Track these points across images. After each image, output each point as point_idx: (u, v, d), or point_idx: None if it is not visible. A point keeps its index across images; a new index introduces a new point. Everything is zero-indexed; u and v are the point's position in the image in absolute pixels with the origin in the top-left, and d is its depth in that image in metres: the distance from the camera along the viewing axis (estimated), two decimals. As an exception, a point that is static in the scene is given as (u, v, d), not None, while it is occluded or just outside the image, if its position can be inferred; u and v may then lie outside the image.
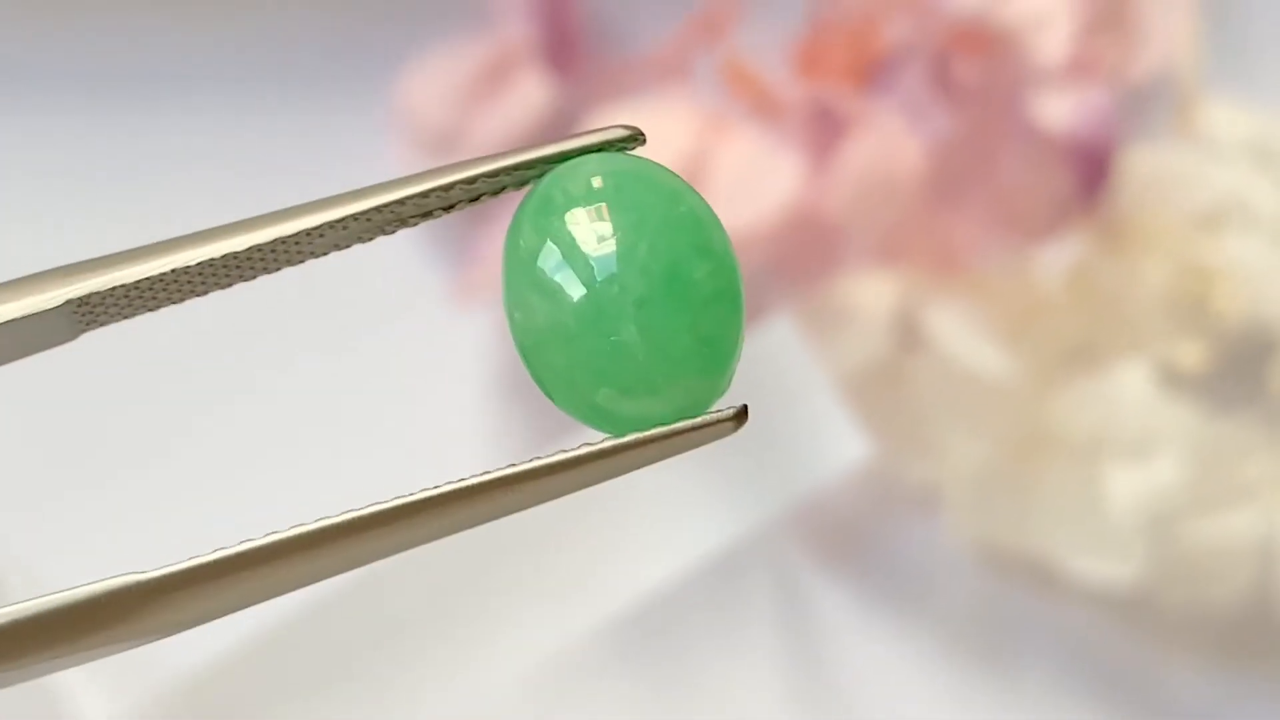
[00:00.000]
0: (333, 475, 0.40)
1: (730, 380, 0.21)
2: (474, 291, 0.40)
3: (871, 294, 0.38)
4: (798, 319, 0.38)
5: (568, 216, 0.21)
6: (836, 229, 0.38)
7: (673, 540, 0.37)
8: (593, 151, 0.21)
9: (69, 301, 0.21)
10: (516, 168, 0.21)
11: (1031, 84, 0.38)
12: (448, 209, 0.22)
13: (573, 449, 0.21)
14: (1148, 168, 0.40)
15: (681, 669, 0.39)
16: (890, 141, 0.37)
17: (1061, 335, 0.39)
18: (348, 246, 0.22)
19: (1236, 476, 0.38)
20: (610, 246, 0.20)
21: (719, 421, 0.21)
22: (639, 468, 0.21)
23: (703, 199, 0.21)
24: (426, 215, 0.22)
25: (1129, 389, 0.38)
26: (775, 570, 0.40)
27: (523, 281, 0.21)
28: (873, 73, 0.39)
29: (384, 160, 0.43)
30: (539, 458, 0.21)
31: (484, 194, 0.22)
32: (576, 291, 0.20)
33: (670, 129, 0.39)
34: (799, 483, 0.37)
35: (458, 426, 0.41)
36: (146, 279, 0.21)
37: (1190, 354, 0.39)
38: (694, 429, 0.21)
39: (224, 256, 0.21)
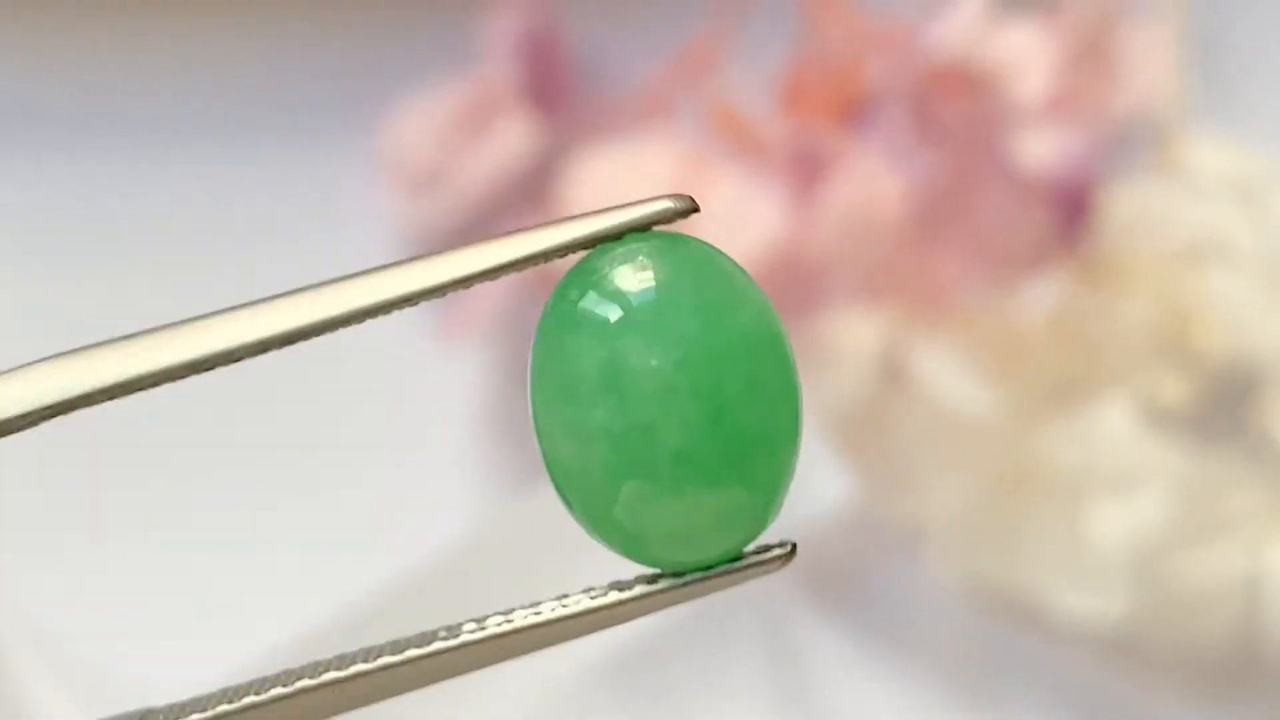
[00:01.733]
0: (317, 512, 0.40)
1: (777, 514, 0.19)
2: (460, 328, 0.40)
3: (854, 332, 0.38)
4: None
5: (593, 332, 0.19)
6: (819, 268, 0.38)
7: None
8: (636, 230, 0.19)
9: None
10: (537, 256, 0.19)
11: (1012, 123, 0.38)
12: (465, 282, 0.20)
13: (606, 594, 0.19)
14: (1129, 205, 0.40)
15: (669, 708, 0.39)
16: (872, 180, 0.37)
17: (1044, 372, 0.39)
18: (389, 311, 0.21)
19: (1220, 512, 0.38)
20: (644, 384, 0.18)
21: (766, 562, 0.19)
22: (677, 604, 0.19)
23: (763, 296, 0.19)
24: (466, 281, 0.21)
25: (1112, 426, 0.38)
26: (760, 608, 0.40)
27: (547, 397, 0.19)
28: (854, 112, 0.39)
29: (369, 200, 0.43)
30: (576, 597, 0.19)
31: (504, 271, 0.20)
32: (602, 435, 0.18)
33: (654, 168, 0.39)
34: (783, 521, 0.37)
35: (444, 464, 0.41)
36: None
37: (1173, 390, 0.39)
38: (739, 570, 0.19)
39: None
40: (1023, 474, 0.39)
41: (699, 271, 0.19)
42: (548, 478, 0.19)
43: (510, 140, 0.41)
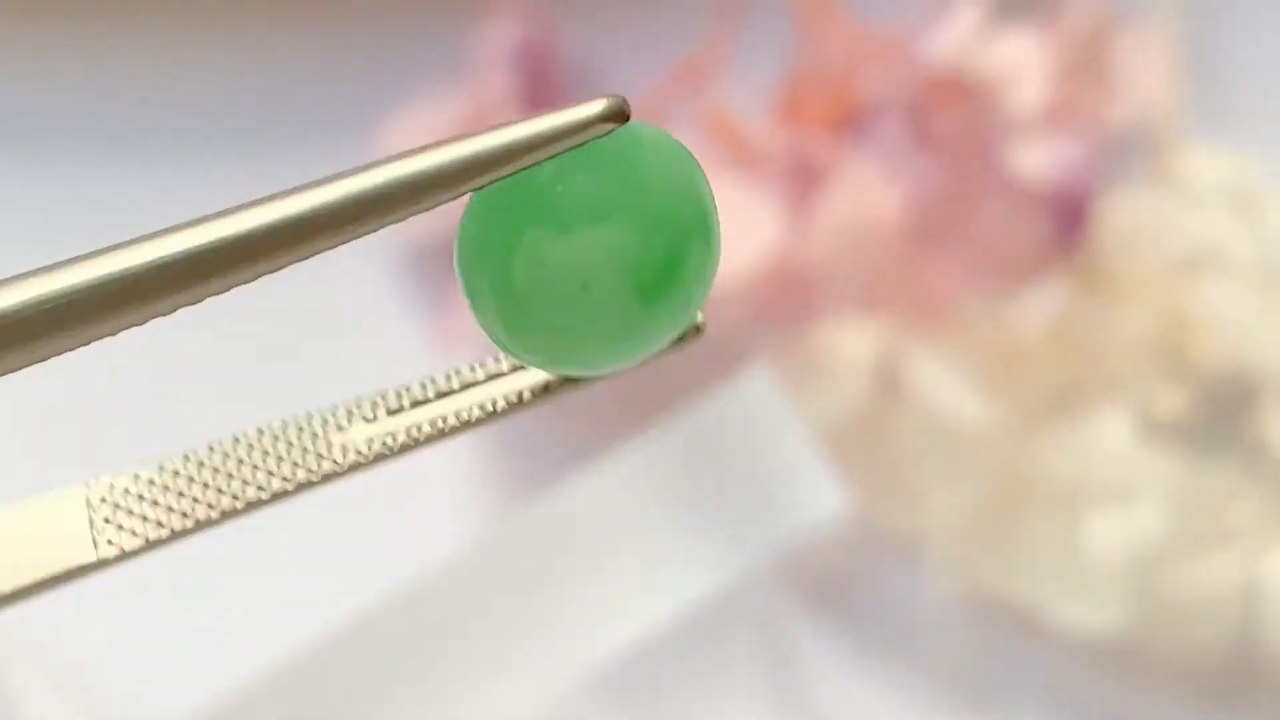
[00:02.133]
0: (311, 528, 0.40)
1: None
2: (454, 338, 0.40)
3: (851, 343, 0.38)
4: (777, 368, 0.38)
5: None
6: (816, 277, 0.38)
7: (656, 590, 0.36)
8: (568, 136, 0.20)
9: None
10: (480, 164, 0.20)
11: (1008, 133, 0.38)
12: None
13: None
14: (1126, 214, 0.40)
15: (668, 718, 0.39)
16: (869, 191, 0.37)
17: (1042, 383, 0.39)
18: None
19: (1218, 522, 0.38)
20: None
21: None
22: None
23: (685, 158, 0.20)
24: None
25: (1110, 436, 0.38)
26: (759, 620, 0.40)
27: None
28: (851, 122, 0.39)
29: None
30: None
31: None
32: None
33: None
34: (780, 533, 0.37)
35: (439, 478, 0.41)
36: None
37: (1170, 400, 0.39)
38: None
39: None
40: (1020, 484, 0.38)
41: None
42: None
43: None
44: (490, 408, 0.22)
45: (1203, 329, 0.39)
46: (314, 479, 0.22)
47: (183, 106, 0.44)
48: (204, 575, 0.40)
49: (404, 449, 0.22)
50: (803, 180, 0.38)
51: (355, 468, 0.22)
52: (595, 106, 0.20)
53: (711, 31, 0.42)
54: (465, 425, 0.22)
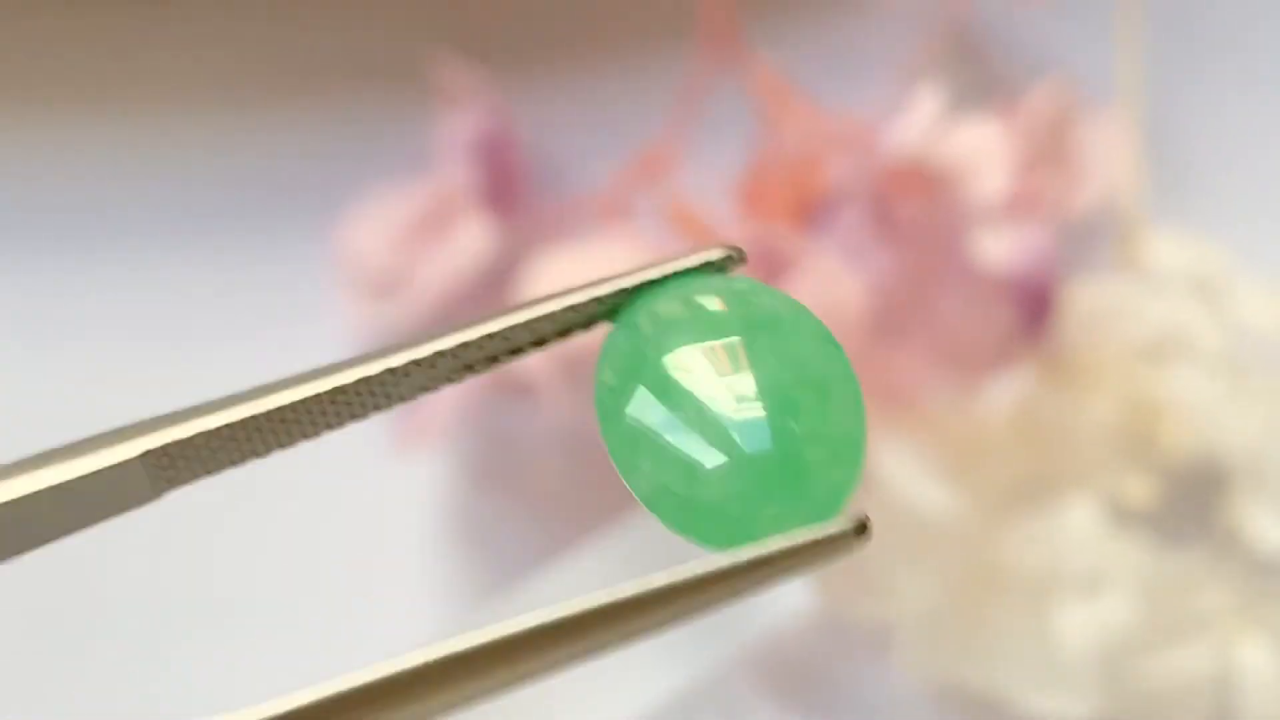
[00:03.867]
0: (278, 625, 0.40)
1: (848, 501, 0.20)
2: (417, 437, 0.40)
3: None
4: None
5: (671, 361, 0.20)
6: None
7: (624, 684, 0.36)
8: (686, 276, 0.20)
9: (150, 452, 0.20)
10: (609, 297, 0.20)
11: (971, 221, 0.38)
12: (538, 343, 0.21)
13: (690, 569, 0.19)
14: (1090, 301, 0.40)
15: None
16: (832, 280, 0.37)
17: (1008, 472, 0.39)
18: (435, 387, 0.21)
19: (1189, 611, 0.38)
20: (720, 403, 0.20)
21: (841, 534, 0.19)
22: (762, 587, 0.20)
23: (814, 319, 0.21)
24: (516, 351, 0.21)
25: (1078, 525, 0.38)
26: (728, 711, 0.40)
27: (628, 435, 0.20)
28: (813, 212, 0.39)
29: (325, 304, 0.42)
30: (660, 576, 0.20)
31: (574, 326, 0.20)
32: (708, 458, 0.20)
33: (613, 269, 0.39)
34: (748, 626, 0.37)
35: (405, 575, 0.41)
36: (227, 426, 0.20)
37: (1138, 488, 0.39)
38: (818, 542, 0.19)
39: (306, 400, 0.20)
40: (989, 574, 0.38)
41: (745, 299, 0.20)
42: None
43: (468, 243, 0.41)
44: None
45: (1170, 416, 0.39)
46: None
47: (141, 200, 0.44)
48: (177, 673, 0.40)
49: None
50: (766, 270, 0.38)
51: None
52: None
53: (672, 121, 0.42)
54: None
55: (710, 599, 0.19)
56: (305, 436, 0.20)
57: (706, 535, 0.20)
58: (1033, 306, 0.39)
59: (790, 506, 0.20)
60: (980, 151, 0.39)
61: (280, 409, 0.20)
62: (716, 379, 0.20)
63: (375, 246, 0.42)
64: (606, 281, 0.21)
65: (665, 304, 0.20)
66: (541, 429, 0.41)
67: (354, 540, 0.41)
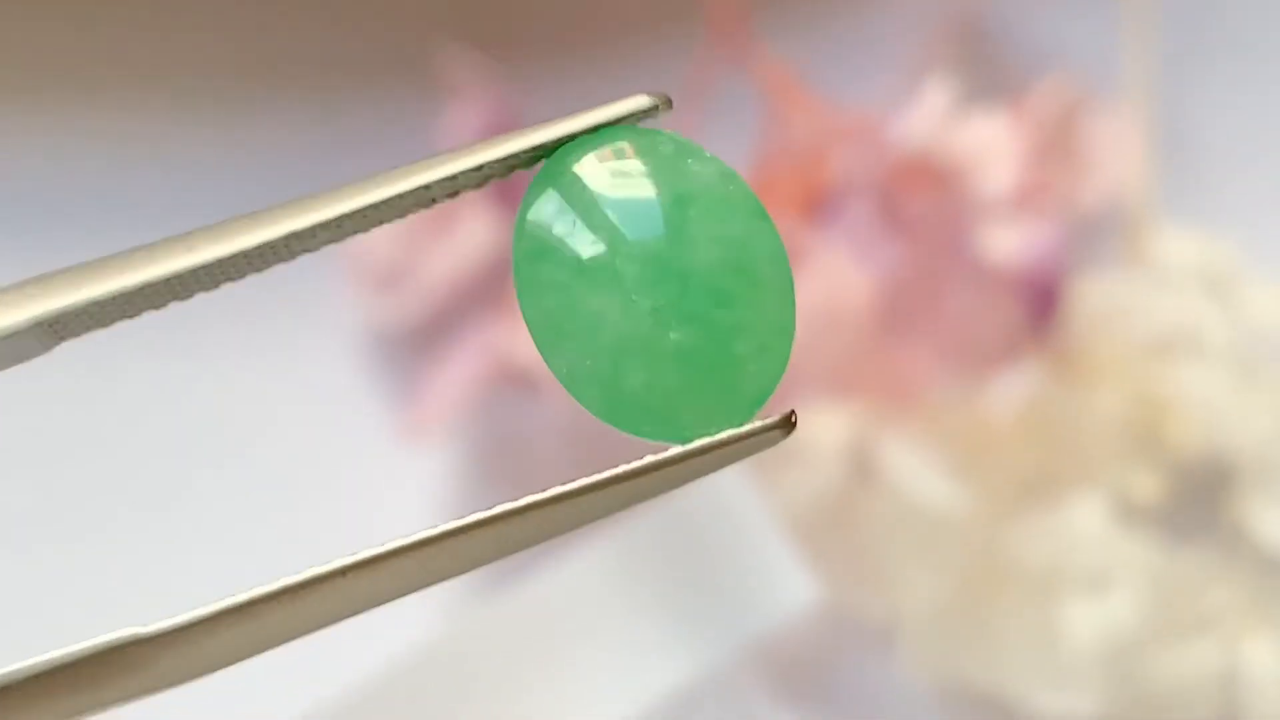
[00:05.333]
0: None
1: (773, 388, 0.20)
2: (422, 430, 0.39)
3: (823, 428, 0.38)
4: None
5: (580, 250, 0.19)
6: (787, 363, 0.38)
7: (628, 681, 0.36)
8: (612, 126, 0.20)
9: (42, 319, 0.20)
10: (527, 151, 0.20)
11: (979, 216, 0.38)
12: (453, 195, 0.21)
13: (617, 470, 0.20)
14: (1098, 297, 0.39)
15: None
16: (839, 275, 0.37)
17: (1015, 468, 0.39)
18: (341, 239, 0.21)
19: (1195, 608, 0.38)
20: (637, 289, 0.19)
21: (768, 429, 0.20)
22: (686, 479, 0.20)
23: (743, 186, 0.20)
24: (430, 203, 0.21)
25: (1084, 521, 0.38)
26: (733, 709, 0.39)
27: (542, 269, 0.20)
28: (820, 206, 0.39)
29: (330, 297, 0.42)
30: (585, 479, 0.20)
31: (492, 176, 0.20)
32: (604, 337, 0.19)
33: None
34: (752, 621, 0.36)
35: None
36: (123, 291, 0.20)
37: (1145, 485, 0.39)
38: (745, 436, 0.20)
39: (216, 262, 0.20)
40: (994, 571, 0.38)
41: (674, 167, 0.20)
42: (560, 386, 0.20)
43: (473, 237, 0.41)
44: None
45: (1177, 413, 0.39)
46: None
47: (142, 190, 0.44)
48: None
49: None
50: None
51: None
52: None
53: (679, 113, 0.41)
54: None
55: (638, 492, 0.20)
56: (203, 289, 0.20)
57: (630, 424, 0.20)
58: (1040, 302, 0.38)
59: (715, 400, 0.20)
60: (988, 146, 0.39)
61: (182, 273, 0.20)
62: (636, 231, 0.20)
63: (382, 240, 0.41)
64: (527, 134, 0.20)
65: (590, 158, 0.20)
66: (544, 423, 0.41)
67: (356, 533, 0.41)
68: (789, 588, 0.36)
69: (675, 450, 0.20)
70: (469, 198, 0.41)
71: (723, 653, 0.37)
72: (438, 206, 0.21)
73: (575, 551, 0.36)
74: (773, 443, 0.20)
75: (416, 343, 0.42)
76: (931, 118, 0.38)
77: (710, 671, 0.37)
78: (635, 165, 0.20)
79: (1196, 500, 0.39)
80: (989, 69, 0.44)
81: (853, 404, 0.38)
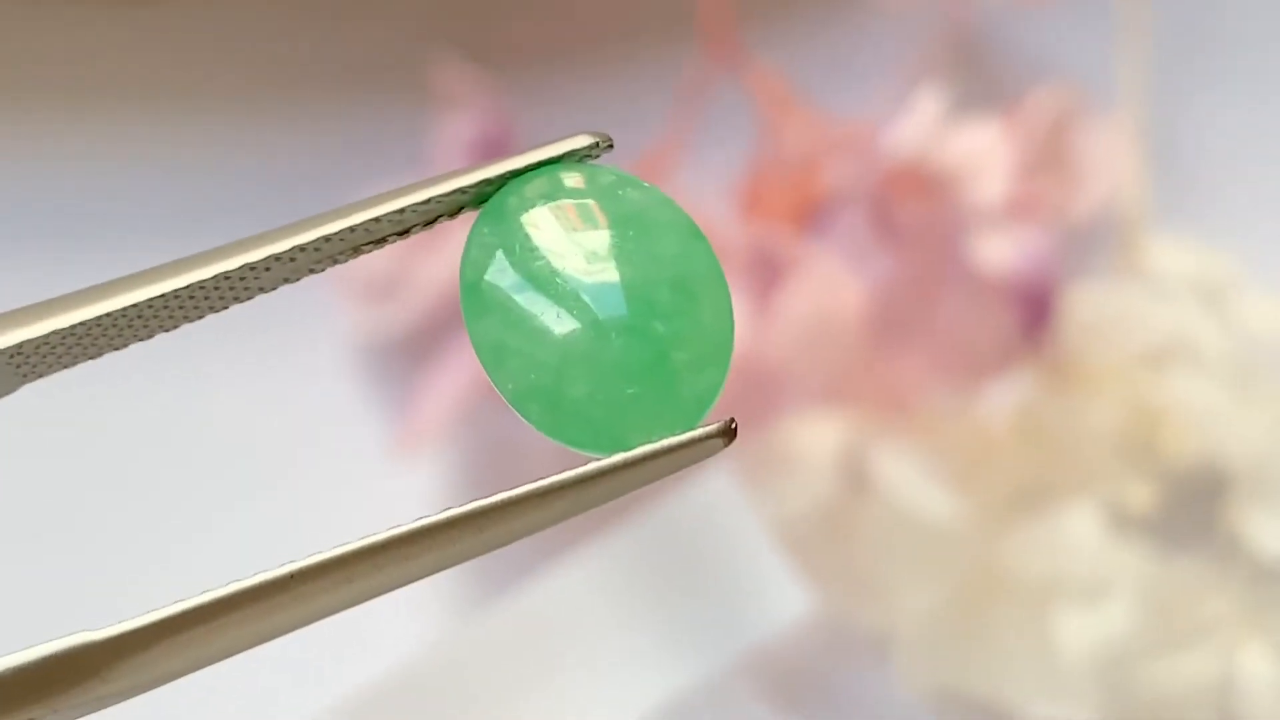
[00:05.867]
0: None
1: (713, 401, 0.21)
2: (414, 442, 0.39)
3: (816, 438, 0.38)
4: (741, 465, 0.37)
5: (534, 234, 0.20)
6: (779, 373, 0.38)
7: (620, 692, 0.36)
8: (554, 163, 0.21)
9: (3, 351, 0.20)
10: (473, 186, 0.20)
11: (972, 225, 0.38)
12: (403, 234, 0.21)
13: (558, 476, 0.20)
14: (1092, 306, 0.39)
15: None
16: (832, 284, 0.37)
17: (1009, 477, 0.38)
18: (298, 279, 0.21)
19: (1190, 618, 0.38)
20: (578, 315, 0.20)
21: (707, 438, 0.20)
22: (627, 489, 0.20)
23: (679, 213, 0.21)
24: (379, 242, 0.21)
25: (1079, 531, 0.38)
26: (727, 717, 0.39)
27: (489, 304, 0.20)
28: (813, 215, 0.39)
29: (323, 306, 0.42)
30: (531, 484, 0.20)
31: (440, 215, 0.21)
32: (559, 322, 0.20)
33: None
34: (747, 632, 0.36)
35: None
36: (83, 323, 0.20)
37: (1140, 494, 0.39)
38: (685, 445, 0.20)
39: (165, 295, 0.21)
40: (989, 580, 0.38)
41: (614, 201, 0.21)
42: (505, 402, 0.21)
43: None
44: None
45: (1171, 422, 0.39)
46: None
47: (136, 198, 0.43)
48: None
49: None
50: (765, 274, 0.38)
51: None
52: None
53: (672, 124, 0.41)
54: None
55: (580, 502, 0.20)
56: (163, 329, 0.20)
57: (575, 437, 0.21)
58: (1034, 311, 0.38)
59: (657, 410, 0.20)
60: (981, 155, 0.39)
61: (138, 304, 0.20)
62: (576, 251, 0.20)
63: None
64: (471, 171, 0.21)
65: (532, 188, 0.21)
66: (536, 434, 0.41)
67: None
68: (783, 597, 0.36)
69: (616, 457, 0.20)
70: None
71: (717, 663, 0.37)
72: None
73: (569, 562, 0.36)
74: (713, 451, 0.20)
75: (408, 354, 0.42)
76: (924, 127, 0.38)
77: (705, 682, 0.36)
78: (576, 193, 0.21)
79: (1191, 509, 0.39)
80: (982, 78, 0.44)
81: (846, 413, 0.38)
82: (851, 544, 0.38)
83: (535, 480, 0.20)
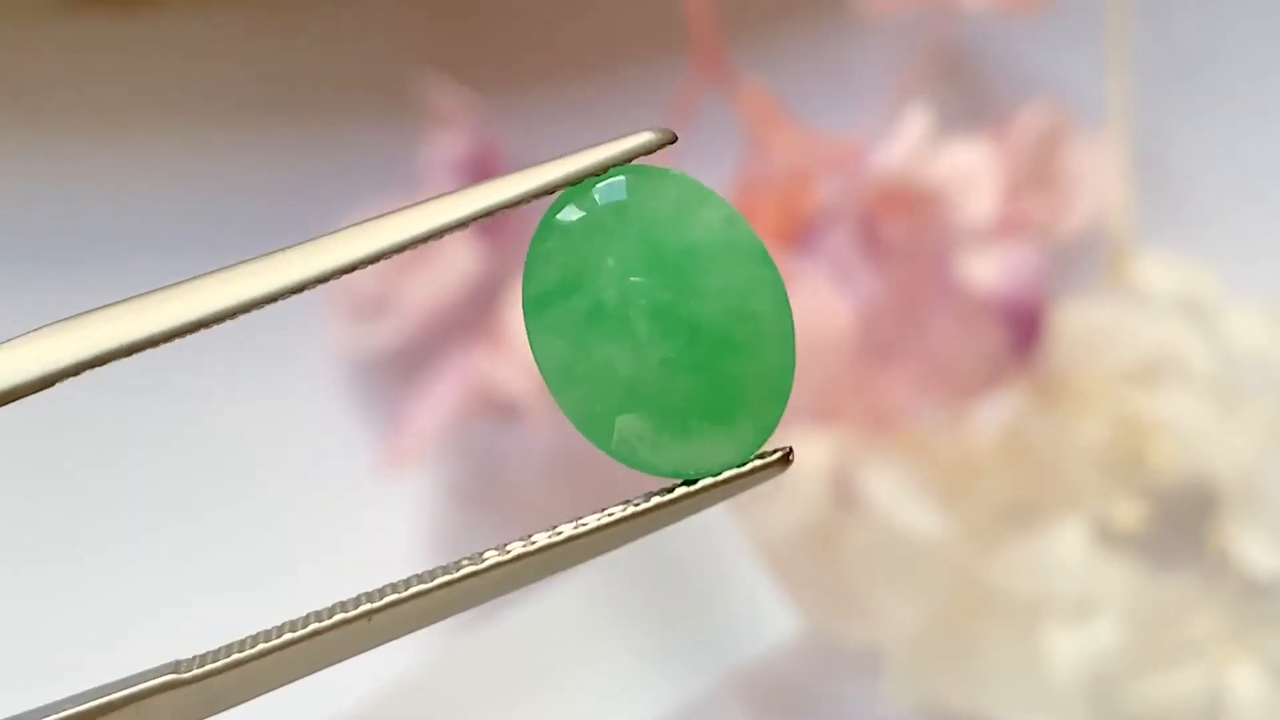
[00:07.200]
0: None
1: (774, 428, 0.21)
2: (402, 457, 0.39)
3: (804, 455, 0.38)
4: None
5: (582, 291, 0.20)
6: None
7: (612, 712, 0.36)
8: (619, 166, 0.20)
9: None
10: (533, 191, 0.20)
11: (960, 242, 0.38)
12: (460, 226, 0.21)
13: (622, 507, 0.20)
14: (1080, 323, 0.39)
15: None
16: (820, 301, 0.37)
17: (998, 494, 0.38)
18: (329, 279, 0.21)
19: (1178, 635, 0.38)
20: (638, 331, 0.20)
21: (767, 467, 0.20)
22: (689, 513, 0.21)
23: (748, 230, 0.21)
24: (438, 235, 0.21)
25: (1067, 548, 0.38)
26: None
27: (547, 321, 0.20)
28: (801, 233, 0.39)
29: (313, 325, 0.42)
30: (591, 516, 0.21)
31: (483, 217, 0.21)
32: (608, 383, 0.20)
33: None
34: (735, 651, 0.36)
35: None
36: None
37: (1128, 512, 0.39)
38: (745, 475, 0.20)
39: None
40: (977, 597, 0.38)
41: (683, 205, 0.20)
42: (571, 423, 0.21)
43: (454, 265, 0.41)
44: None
45: (1159, 439, 0.39)
46: None
47: (124, 216, 0.43)
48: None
49: None
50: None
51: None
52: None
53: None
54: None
55: (642, 528, 0.21)
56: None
57: (637, 464, 0.21)
58: (1021, 328, 0.38)
59: (721, 444, 0.21)
60: (969, 173, 0.39)
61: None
62: (644, 278, 0.20)
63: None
64: (534, 173, 0.20)
65: (597, 200, 0.20)
66: (526, 450, 0.41)
67: (339, 560, 0.41)
68: (771, 615, 0.36)
69: (679, 491, 0.21)
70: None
71: (707, 681, 0.36)
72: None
73: (557, 582, 0.36)
74: (771, 477, 0.21)
75: (398, 370, 0.42)
76: (912, 145, 0.38)
77: (695, 700, 0.36)
78: (643, 211, 0.20)
79: (1178, 526, 0.39)
80: (969, 96, 0.44)
81: (834, 431, 0.38)
82: (840, 561, 0.38)
83: (605, 510, 0.21)
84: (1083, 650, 0.37)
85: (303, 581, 0.40)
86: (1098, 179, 0.41)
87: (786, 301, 0.21)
